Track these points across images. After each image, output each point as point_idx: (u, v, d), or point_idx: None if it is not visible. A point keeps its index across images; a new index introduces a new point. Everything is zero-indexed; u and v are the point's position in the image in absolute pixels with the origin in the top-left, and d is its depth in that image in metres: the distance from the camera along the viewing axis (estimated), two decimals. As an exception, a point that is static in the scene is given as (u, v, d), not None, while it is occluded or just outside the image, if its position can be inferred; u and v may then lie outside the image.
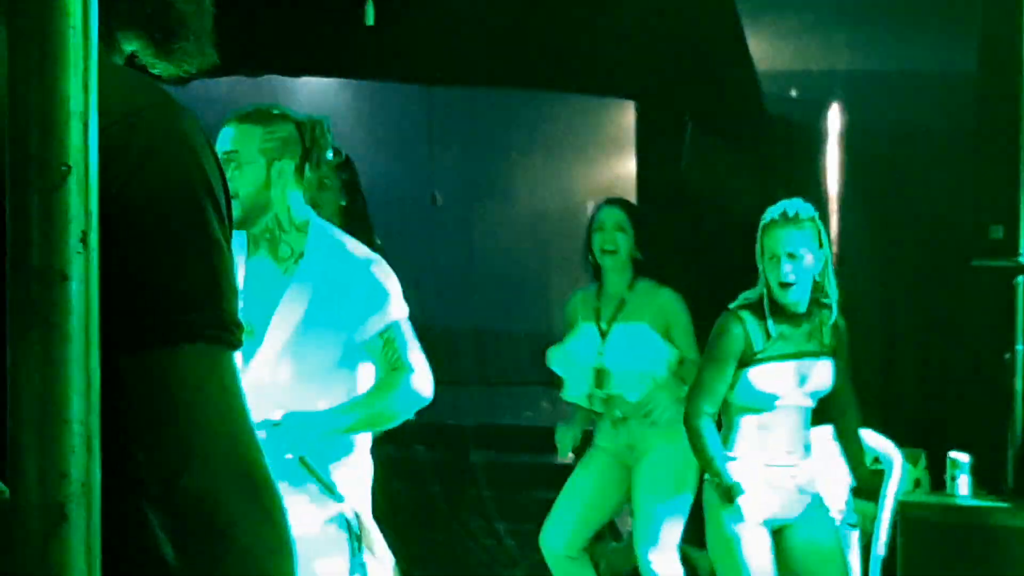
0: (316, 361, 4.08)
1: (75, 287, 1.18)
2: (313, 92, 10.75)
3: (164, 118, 1.54)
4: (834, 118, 8.19)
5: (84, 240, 1.18)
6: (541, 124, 10.30)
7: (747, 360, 5.60)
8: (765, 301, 5.63)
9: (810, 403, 5.73)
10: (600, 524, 6.79)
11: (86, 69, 1.19)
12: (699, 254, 7.21)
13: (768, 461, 5.63)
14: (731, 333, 5.59)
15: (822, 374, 5.72)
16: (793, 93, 8.38)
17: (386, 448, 8.96)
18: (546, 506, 6.84)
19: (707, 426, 5.61)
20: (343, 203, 7.13)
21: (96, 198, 1.20)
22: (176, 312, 1.49)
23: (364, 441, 4.38)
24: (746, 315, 5.63)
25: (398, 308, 4.24)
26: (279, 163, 4.11)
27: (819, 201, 7.99)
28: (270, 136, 4.10)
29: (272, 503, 1.54)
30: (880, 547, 6.31)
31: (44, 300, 1.17)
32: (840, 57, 8.17)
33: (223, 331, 1.53)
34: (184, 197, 1.52)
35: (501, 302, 7.17)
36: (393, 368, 4.25)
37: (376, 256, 4.32)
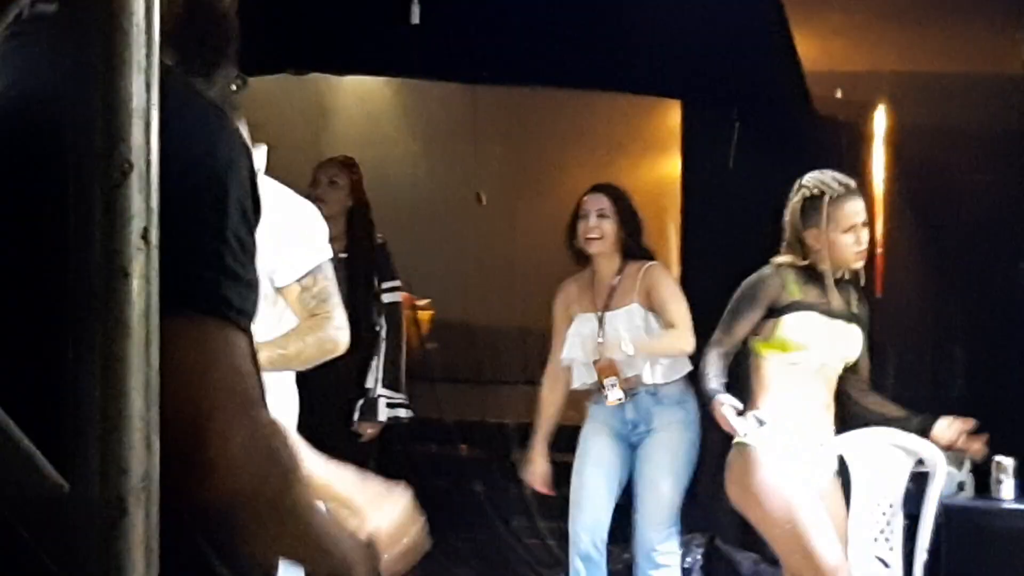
0: None
1: (136, 283, 1.18)
2: (358, 90, 10.76)
3: (192, 105, 1.55)
4: (881, 118, 8.16)
5: (145, 237, 1.19)
6: (586, 123, 10.27)
7: (783, 306, 5.55)
8: (809, 268, 5.59)
9: (839, 367, 5.67)
10: (616, 500, 6.72)
11: (148, 68, 1.19)
12: (744, 254, 7.17)
13: (798, 424, 5.54)
14: (767, 282, 5.58)
15: (852, 339, 5.69)
16: (839, 93, 8.35)
17: (428, 446, 9.00)
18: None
19: (715, 359, 5.60)
20: (349, 203, 7.14)
21: (157, 196, 1.21)
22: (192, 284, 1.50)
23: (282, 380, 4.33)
24: (785, 270, 5.59)
25: (323, 251, 4.22)
26: None
27: (866, 202, 7.96)
28: None
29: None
30: (923, 550, 6.28)
31: (106, 296, 1.18)
32: (888, 57, 8.13)
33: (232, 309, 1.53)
34: (208, 178, 1.52)
35: (545, 301, 7.12)
36: (312, 314, 4.24)
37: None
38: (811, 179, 5.70)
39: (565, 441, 6.97)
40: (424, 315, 9.35)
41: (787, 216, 5.70)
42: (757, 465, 5.46)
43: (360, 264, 7.03)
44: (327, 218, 7.03)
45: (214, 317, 1.51)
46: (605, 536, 6.59)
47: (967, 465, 6.93)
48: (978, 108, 7.75)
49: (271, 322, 4.18)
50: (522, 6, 7.54)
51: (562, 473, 6.94)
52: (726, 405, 5.50)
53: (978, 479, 6.90)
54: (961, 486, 6.88)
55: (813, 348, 5.56)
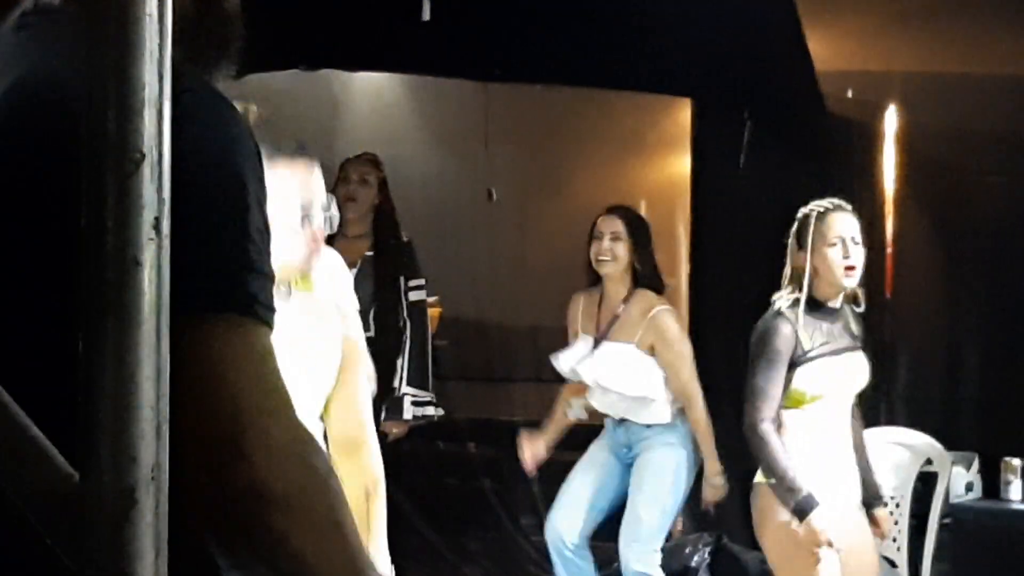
0: None
1: (147, 273, 1.18)
2: (369, 87, 10.78)
3: (206, 101, 1.55)
4: (892, 119, 8.15)
5: (157, 227, 1.19)
6: (597, 121, 10.28)
7: (796, 360, 5.46)
8: (803, 298, 5.49)
9: (852, 400, 5.62)
10: (603, 513, 6.74)
11: (161, 58, 1.20)
12: (754, 254, 7.17)
13: (819, 467, 5.45)
14: (781, 333, 5.45)
15: (861, 369, 5.62)
16: (851, 93, 8.34)
17: (438, 444, 9.01)
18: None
19: (772, 433, 5.38)
20: (376, 201, 7.17)
21: (169, 185, 1.21)
22: (215, 282, 1.50)
23: None
24: (791, 313, 5.49)
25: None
26: None
27: (877, 203, 7.96)
28: None
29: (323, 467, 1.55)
30: (930, 551, 6.28)
31: (117, 285, 1.18)
32: (900, 58, 8.13)
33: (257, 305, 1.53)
34: (228, 174, 1.52)
35: (556, 299, 7.14)
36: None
37: None
38: (807, 206, 5.66)
39: (568, 439, 7.00)
40: (434, 312, 9.37)
41: (788, 247, 5.66)
42: (778, 508, 5.38)
43: (386, 263, 7.04)
44: (356, 218, 7.10)
45: (251, 316, 1.51)
46: (576, 538, 6.64)
47: (975, 465, 6.93)
48: (990, 109, 7.75)
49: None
50: (534, 4, 7.55)
51: (567, 472, 6.96)
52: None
53: (986, 480, 6.90)
54: (969, 487, 6.87)
55: (829, 395, 5.49)
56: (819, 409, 5.47)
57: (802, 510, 5.26)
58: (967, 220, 7.87)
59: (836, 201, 5.60)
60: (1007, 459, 6.73)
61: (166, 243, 1.20)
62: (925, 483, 6.38)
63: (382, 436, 7.05)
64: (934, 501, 6.29)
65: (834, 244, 5.49)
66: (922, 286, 8.04)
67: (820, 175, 7.66)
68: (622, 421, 6.60)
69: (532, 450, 6.88)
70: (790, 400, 5.46)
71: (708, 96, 8.63)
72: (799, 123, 8.01)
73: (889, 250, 7.88)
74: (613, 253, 6.59)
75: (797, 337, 5.44)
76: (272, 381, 1.52)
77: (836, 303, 5.56)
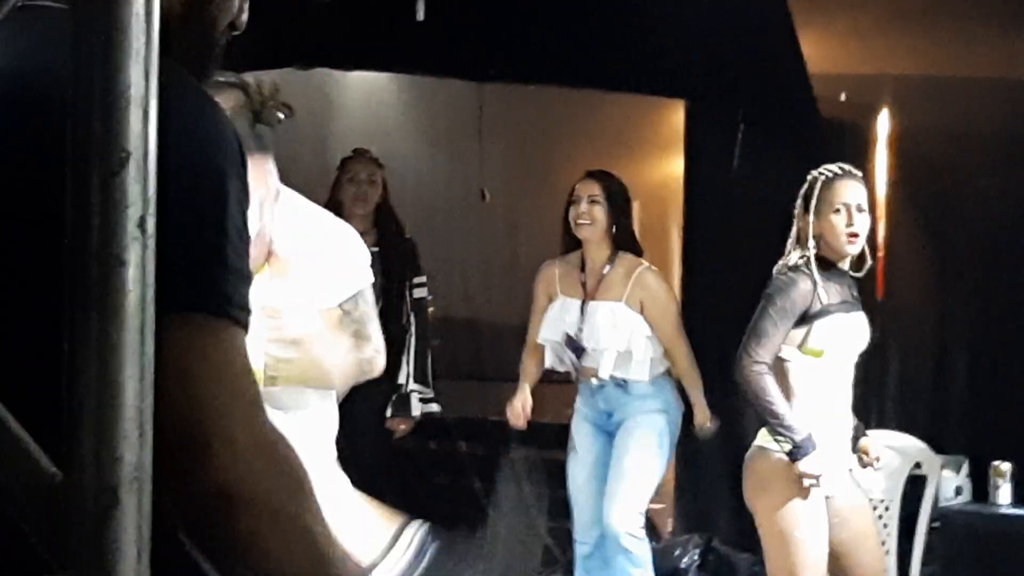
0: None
1: (132, 272, 1.18)
2: (363, 86, 10.76)
3: (188, 98, 1.55)
4: (885, 121, 8.16)
5: (142, 225, 1.19)
6: (590, 122, 10.28)
7: (815, 314, 5.44)
8: (811, 255, 5.48)
9: (856, 358, 5.61)
10: None
11: (147, 57, 1.20)
12: (747, 256, 7.17)
13: (823, 423, 5.42)
14: (800, 288, 5.44)
15: (864, 329, 5.62)
16: (844, 96, 8.35)
17: (428, 442, 9.00)
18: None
19: (768, 377, 5.35)
20: (379, 200, 7.19)
21: (154, 184, 1.21)
22: (191, 282, 1.49)
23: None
24: (808, 270, 5.47)
25: (365, 277, 4.23)
26: None
27: (869, 205, 7.96)
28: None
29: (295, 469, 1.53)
30: (919, 554, 6.29)
31: (102, 284, 1.18)
32: (892, 61, 8.13)
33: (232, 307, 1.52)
34: (207, 172, 1.52)
35: (547, 299, 7.16)
36: (353, 337, 4.25)
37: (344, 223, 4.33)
38: (816, 170, 5.67)
39: (558, 439, 7.00)
40: (426, 311, 9.38)
41: (795, 210, 5.67)
42: (776, 471, 5.37)
43: (392, 260, 7.06)
44: (363, 216, 7.12)
45: (223, 317, 1.50)
46: (632, 527, 6.57)
47: (964, 469, 6.93)
48: (983, 111, 7.75)
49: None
50: (528, 4, 7.55)
51: (557, 472, 6.96)
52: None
53: (976, 484, 6.90)
54: (958, 490, 6.88)
55: (841, 350, 5.50)
56: (830, 362, 5.46)
57: (800, 450, 5.26)
58: (959, 222, 7.88)
59: (845, 167, 5.62)
60: (996, 463, 6.73)
61: (151, 242, 1.20)
62: (914, 486, 6.39)
63: (389, 433, 7.10)
64: (923, 504, 6.30)
65: (838, 211, 5.50)
66: (913, 289, 8.04)
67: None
68: (601, 386, 6.59)
69: (521, 402, 6.84)
70: (807, 350, 5.46)
71: (702, 98, 8.63)
72: (792, 125, 8.01)
73: (881, 253, 7.88)
74: (592, 216, 6.61)
75: (816, 292, 5.44)
76: (241, 383, 1.51)
77: (844, 264, 5.57)
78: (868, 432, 5.79)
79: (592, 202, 6.62)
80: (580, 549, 6.71)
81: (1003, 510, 6.66)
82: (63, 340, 1.19)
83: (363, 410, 6.95)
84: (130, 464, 1.18)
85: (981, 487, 6.85)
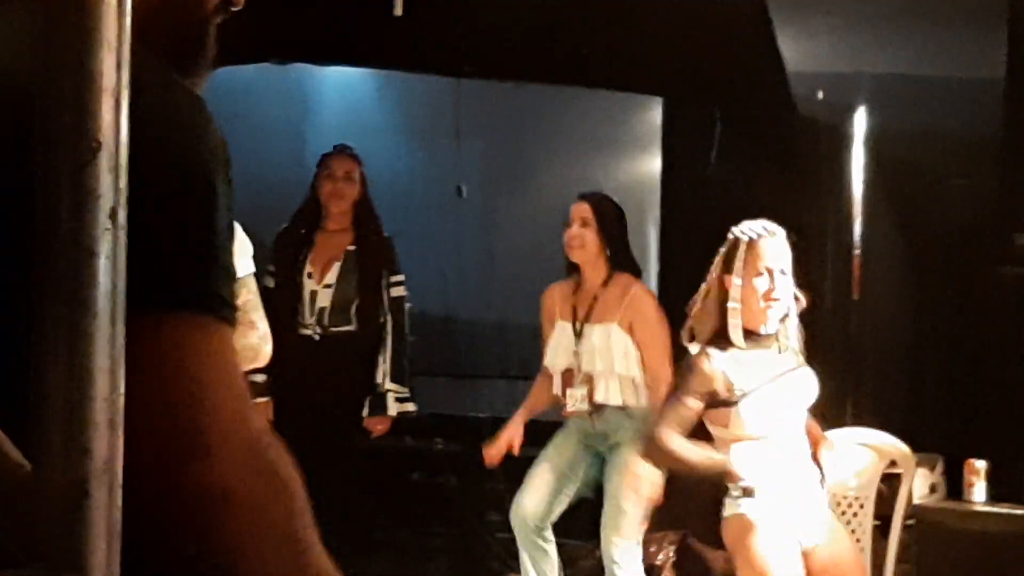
0: None
1: (103, 263, 1.17)
2: (339, 81, 10.74)
3: (175, 94, 1.53)
4: (861, 120, 8.17)
5: (113, 217, 1.18)
6: (567, 119, 10.27)
7: (732, 399, 5.34)
8: (734, 327, 5.34)
9: (804, 417, 5.54)
10: (569, 497, 6.73)
11: (120, 46, 1.19)
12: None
13: (777, 488, 5.38)
14: (703, 372, 5.31)
15: (809, 382, 5.53)
16: (820, 95, 8.36)
17: (403, 439, 8.99)
18: (563, 500, 6.84)
19: (673, 434, 5.29)
20: (356, 197, 7.18)
21: (126, 175, 1.20)
22: (174, 279, 1.47)
23: None
24: (714, 351, 5.35)
25: (247, 266, 4.24)
26: None
27: (845, 204, 7.98)
28: None
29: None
30: (893, 552, 6.29)
31: (72, 276, 1.17)
32: (869, 60, 8.14)
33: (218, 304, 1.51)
34: (198, 170, 1.51)
35: (524, 296, 7.15)
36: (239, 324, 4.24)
37: None
38: (738, 227, 5.51)
39: (534, 436, 7.00)
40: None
41: (713, 267, 5.51)
42: (749, 530, 5.35)
43: (369, 257, 7.06)
44: (341, 213, 7.11)
45: (216, 316, 1.50)
46: (540, 521, 6.66)
47: (939, 467, 6.95)
48: (958, 111, 7.77)
49: None
50: (506, 1, 7.54)
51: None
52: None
53: (950, 481, 6.92)
54: (933, 488, 6.89)
55: (779, 423, 5.41)
56: (775, 440, 5.38)
57: (747, 491, 5.29)
58: (934, 222, 7.89)
59: (769, 227, 5.46)
60: (971, 461, 6.75)
61: (122, 234, 1.19)
62: (889, 484, 6.39)
63: (366, 433, 7.09)
64: (898, 502, 6.30)
65: (761, 274, 5.36)
66: (889, 288, 8.06)
67: (789, 175, 7.69)
68: (598, 408, 6.57)
69: (508, 438, 6.82)
70: (737, 433, 5.36)
71: (679, 95, 8.64)
72: (769, 123, 8.02)
73: (856, 251, 7.90)
74: (582, 240, 6.60)
75: (725, 376, 5.32)
76: (234, 381, 1.51)
77: (768, 328, 5.42)
78: (841, 431, 5.79)
79: (583, 225, 6.60)
80: (518, 534, 6.72)
81: (978, 508, 6.67)
82: (32, 331, 1.18)
83: (339, 409, 6.95)
84: (100, 457, 1.17)
85: (956, 485, 6.86)
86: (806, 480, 5.49)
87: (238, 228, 4.31)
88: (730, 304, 5.38)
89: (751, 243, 5.39)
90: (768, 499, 5.35)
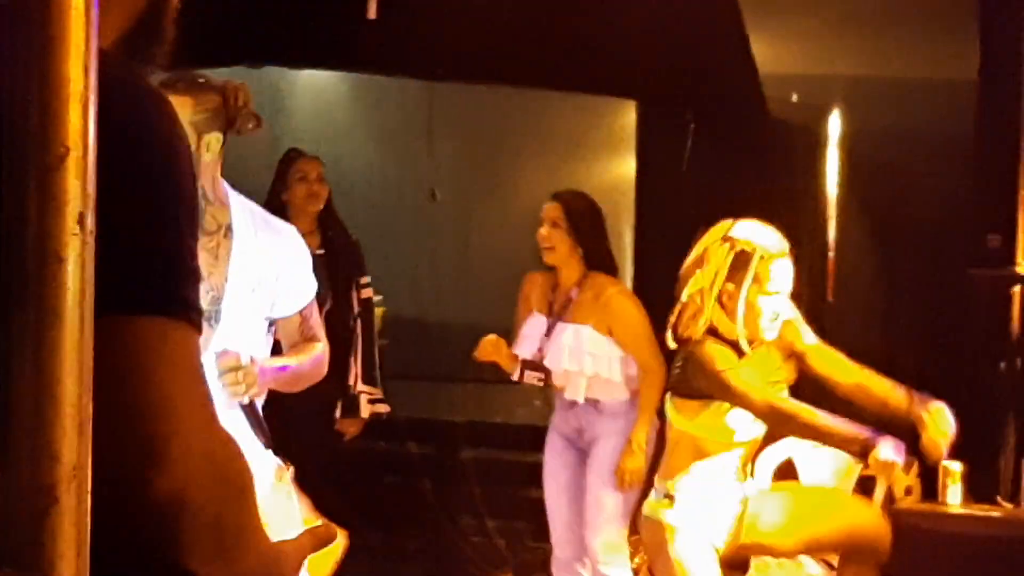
0: (247, 336, 4.03)
1: (71, 269, 1.17)
2: (313, 84, 10.74)
3: (137, 94, 1.52)
4: (835, 122, 8.19)
5: (81, 222, 1.17)
6: (541, 122, 10.29)
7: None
8: (742, 342, 5.20)
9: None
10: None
11: (87, 51, 1.18)
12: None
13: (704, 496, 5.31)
14: (721, 348, 5.14)
15: (789, 366, 5.48)
16: (795, 97, 8.38)
17: (378, 443, 8.99)
18: (537, 504, 6.82)
19: (790, 400, 5.18)
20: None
21: (94, 180, 1.19)
22: (143, 282, 1.46)
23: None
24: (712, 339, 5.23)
25: (314, 279, 4.26)
26: (208, 136, 4.05)
27: (819, 205, 7.99)
28: (201, 108, 4.04)
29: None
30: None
31: (39, 281, 1.16)
32: (842, 62, 8.17)
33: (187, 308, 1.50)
34: (168, 173, 1.50)
35: (497, 299, 7.14)
36: (307, 339, 4.26)
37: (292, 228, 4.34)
38: (742, 233, 5.26)
39: (507, 439, 6.99)
40: (377, 312, 9.36)
41: (710, 268, 5.26)
42: (666, 538, 5.27)
43: (338, 261, 7.05)
44: (312, 215, 7.10)
45: (183, 320, 1.48)
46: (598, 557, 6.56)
47: (915, 469, 6.96)
48: (930, 113, 7.80)
49: (266, 351, 4.18)
50: (480, 4, 7.54)
51: (531, 473, 6.94)
52: None
53: (926, 484, 6.93)
54: (908, 490, 6.90)
55: (760, 429, 5.35)
56: (745, 434, 5.34)
57: (867, 448, 5.21)
58: (907, 223, 7.92)
59: (781, 242, 5.24)
60: (946, 463, 6.75)
61: (91, 239, 1.19)
62: (864, 487, 6.40)
63: (339, 436, 7.08)
64: (873, 505, 6.30)
65: (771, 295, 5.18)
66: (863, 288, 8.08)
67: (763, 178, 7.70)
68: (572, 404, 6.56)
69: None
70: (717, 432, 5.26)
71: (652, 98, 8.65)
72: (743, 126, 8.03)
73: (831, 253, 7.91)
74: (551, 240, 6.55)
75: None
76: (198, 386, 1.49)
77: (768, 337, 5.29)
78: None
79: (553, 226, 6.54)
80: (557, 554, 6.69)
81: (953, 510, 6.68)
82: (-1, 337, 1.17)
83: (312, 411, 6.94)
84: (68, 463, 1.17)
85: (931, 487, 6.87)
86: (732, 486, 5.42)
87: (298, 235, 4.31)
88: (739, 315, 5.17)
89: (764, 260, 5.16)
90: (691, 506, 5.30)
